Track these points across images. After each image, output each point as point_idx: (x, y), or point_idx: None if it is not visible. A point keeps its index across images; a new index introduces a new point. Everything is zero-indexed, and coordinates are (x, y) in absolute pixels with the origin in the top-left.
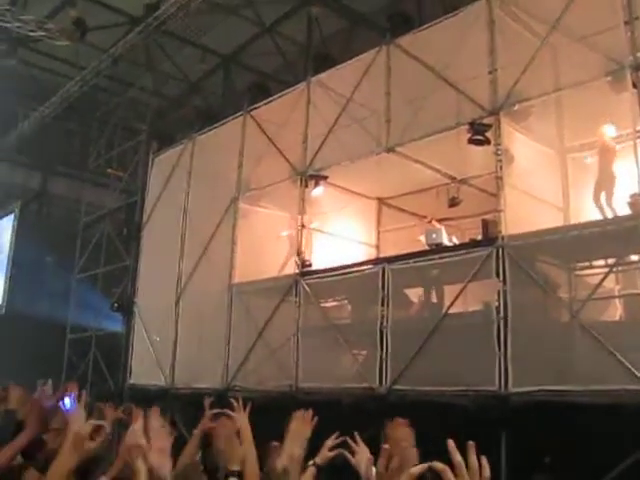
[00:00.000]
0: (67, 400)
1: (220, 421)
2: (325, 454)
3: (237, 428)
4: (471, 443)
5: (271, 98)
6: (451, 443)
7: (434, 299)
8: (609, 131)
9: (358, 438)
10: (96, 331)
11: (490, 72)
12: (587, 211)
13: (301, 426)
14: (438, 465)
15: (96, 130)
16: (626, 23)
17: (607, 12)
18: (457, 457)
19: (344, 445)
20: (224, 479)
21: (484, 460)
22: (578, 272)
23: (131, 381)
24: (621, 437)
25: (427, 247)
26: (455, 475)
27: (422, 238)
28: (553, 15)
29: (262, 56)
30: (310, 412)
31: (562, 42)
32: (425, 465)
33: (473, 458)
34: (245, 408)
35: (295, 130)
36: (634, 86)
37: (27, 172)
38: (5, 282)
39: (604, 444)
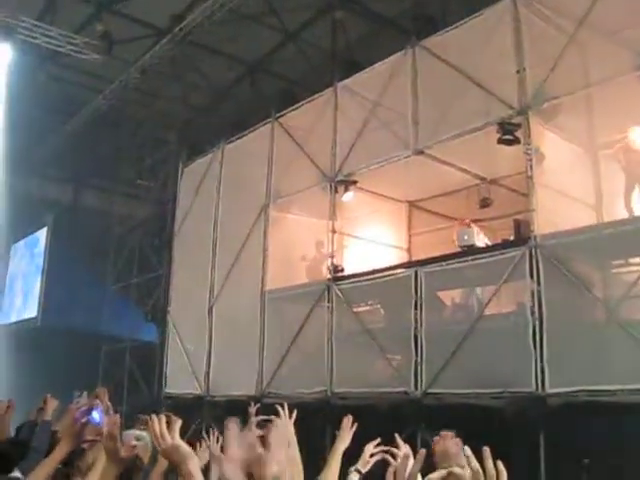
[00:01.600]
0: (95, 414)
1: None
2: (366, 460)
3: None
4: (486, 448)
5: (298, 104)
6: (468, 450)
7: (469, 301)
8: (634, 133)
9: (399, 440)
10: (131, 342)
11: (518, 71)
12: (620, 209)
13: (282, 430)
14: (457, 471)
15: (126, 142)
16: None
17: (635, 5)
18: (474, 463)
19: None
20: None
21: (501, 465)
22: (613, 270)
23: (167, 390)
24: None
25: (459, 249)
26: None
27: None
28: (579, 11)
29: (288, 63)
30: (350, 417)
31: (590, 38)
32: (444, 471)
33: (490, 463)
34: (291, 415)
35: (323, 136)
36: None
37: (59, 186)
38: (40, 295)
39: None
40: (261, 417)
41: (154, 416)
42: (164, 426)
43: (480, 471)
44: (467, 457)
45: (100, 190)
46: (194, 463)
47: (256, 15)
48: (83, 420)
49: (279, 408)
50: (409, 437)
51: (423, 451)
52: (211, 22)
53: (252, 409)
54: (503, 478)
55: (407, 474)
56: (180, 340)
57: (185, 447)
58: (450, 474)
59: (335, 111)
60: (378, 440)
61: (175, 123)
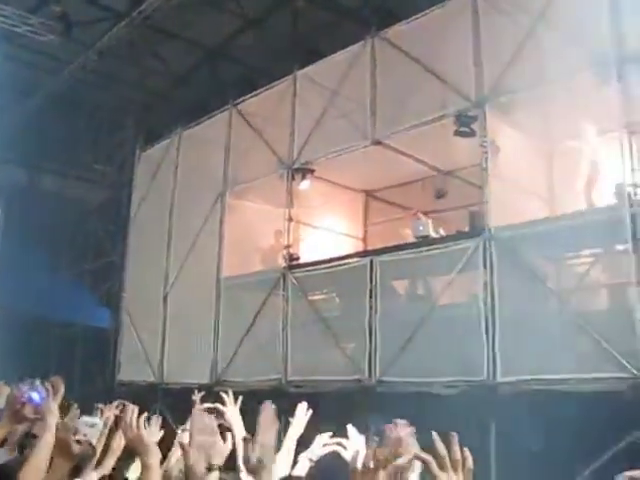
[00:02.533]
0: (35, 394)
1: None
2: (318, 450)
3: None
4: (454, 434)
5: (257, 91)
6: (435, 435)
7: (421, 291)
8: (588, 132)
9: (352, 431)
10: (83, 327)
11: (475, 64)
12: (573, 202)
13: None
14: (422, 456)
15: (82, 125)
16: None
17: (592, 5)
18: (441, 448)
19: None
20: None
21: (467, 451)
22: (565, 262)
23: (119, 377)
24: (608, 424)
25: (414, 239)
26: (439, 466)
27: (405, 232)
28: (537, 7)
29: (248, 50)
30: (304, 404)
31: (547, 35)
32: (410, 456)
33: (456, 449)
34: (236, 402)
35: (282, 124)
36: (618, 78)
37: (12, 168)
38: None
39: (591, 431)
40: (207, 405)
41: (129, 405)
42: (135, 416)
43: (446, 456)
44: (434, 442)
45: (55, 173)
46: (155, 457)
47: (216, 0)
48: (22, 399)
49: (224, 395)
50: (362, 425)
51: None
52: (170, 6)
53: (196, 397)
54: (469, 464)
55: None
56: (134, 327)
57: (150, 439)
58: (416, 458)
59: (294, 99)
60: (330, 433)
61: (132, 108)
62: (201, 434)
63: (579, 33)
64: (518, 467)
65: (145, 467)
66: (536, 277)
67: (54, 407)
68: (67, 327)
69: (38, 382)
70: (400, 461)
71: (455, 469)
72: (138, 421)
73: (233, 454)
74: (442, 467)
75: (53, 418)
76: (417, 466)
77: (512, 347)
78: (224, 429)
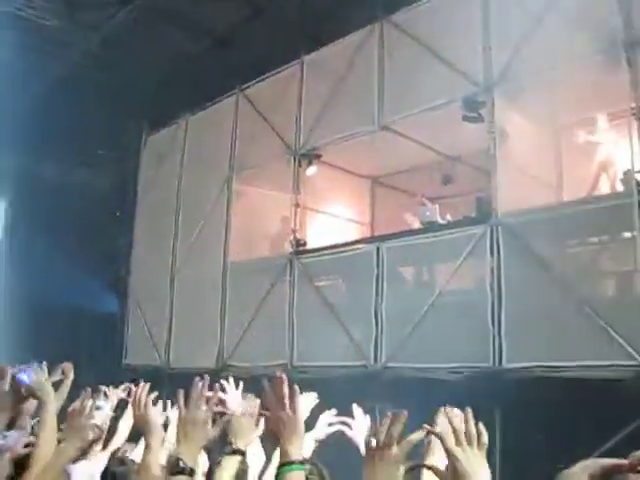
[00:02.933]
0: (24, 376)
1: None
2: (323, 429)
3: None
4: (469, 409)
5: (264, 76)
6: (450, 410)
7: (428, 277)
8: (600, 122)
9: (357, 411)
10: (91, 313)
11: (484, 49)
12: (580, 188)
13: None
14: (436, 430)
15: (87, 111)
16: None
17: None
18: (457, 423)
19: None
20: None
21: (482, 427)
22: (572, 249)
23: (126, 361)
24: (613, 412)
25: (420, 225)
26: (454, 441)
27: (407, 217)
28: None
29: (255, 35)
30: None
31: (556, 19)
32: (423, 431)
33: (472, 424)
34: (237, 388)
35: (289, 109)
36: (628, 63)
37: (17, 155)
38: None
39: (596, 419)
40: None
41: (142, 384)
42: (144, 394)
43: (461, 430)
44: (449, 417)
45: (60, 160)
46: (156, 438)
47: None
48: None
49: (224, 382)
50: (368, 411)
51: (405, 413)
52: None
53: (200, 382)
54: (484, 438)
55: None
56: (141, 311)
57: (154, 420)
58: (429, 434)
59: (300, 84)
60: (334, 411)
61: (138, 93)
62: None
63: (589, 17)
64: (523, 453)
65: (146, 447)
66: (543, 263)
67: (48, 387)
68: (74, 313)
69: (35, 364)
70: (414, 437)
71: (470, 444)
72: (147, 398)
73: None
74: (458, 441)
75: (48, 398)
76: (437, 447)
77: (518, 333)
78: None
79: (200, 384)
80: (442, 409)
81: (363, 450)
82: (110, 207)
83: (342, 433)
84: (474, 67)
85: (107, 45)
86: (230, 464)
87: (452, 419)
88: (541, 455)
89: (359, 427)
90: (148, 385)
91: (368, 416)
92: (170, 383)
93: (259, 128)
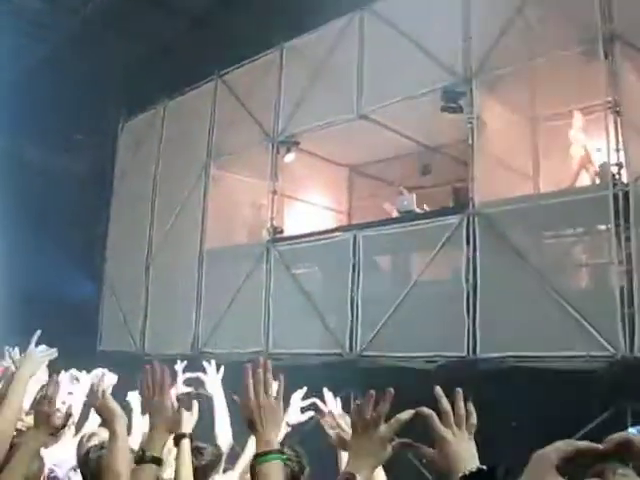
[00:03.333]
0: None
1: None
2: (295, 415)
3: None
4: (459, 390)
5: (243, 62)
6: (438, 390)
7: (404, 266)
8: (577, 120)
9: (328, 395)
10: (68, 300)
11: (464, 39)
12: (557, 180)
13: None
14: (425, 410)
15: (65, 95)
16: None
17: None
18: (444, 403)
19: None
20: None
21: (471, 406)
22: (547, 240)
23: (101, 347)
24: (586, 402)
25: (398, 214)
26: (442, 421)
27: (386, 206)
28: None
29: (235, 19)
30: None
31: (535, 10)
32: (412, 411)
33: (461, 405)
34: (218, 372)
35: (268, 96)
36: (605, 56)
37: None
38: None
39: (569, 408)
40: (188, 374)
41: (96, 371)
42: (102, 385)
43: (449, 411)
44: (437, 397)
45: (37, 144)
46: (121, 424)
47: None
48: None
49: (206, 364)
50: (342, 398)
51: (392, 391)
52: None
53: (179, 366)
54: (472, 419)
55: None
56: (116, 297)
57: (115, 406)
58: (418, 414)
59: (280, 71)
60: (305, 389)
61: (116, 77)
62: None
63: (568, 8)
64: (496, 442)
65: (112, 434)
66: (518, 254)
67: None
68: (50, 298)
69: (17, 349)
70: (402, 416)
71: (459, 425)
72: (104, 386)
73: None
74: (445, 422)
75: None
76: None
77: (493, 324)
78: (190, 399)
79: (159, 370)
80: (437, 388)
81: (332, 434)
82: (88, 193)
83: (312, 417)
84: (453, 57)
85: (86, 28)
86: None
87: (440, 400)
88: (515, 444)
89: (331, 410)
90: (100, 372)
91: (339, 399)
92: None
93: (238, 114)
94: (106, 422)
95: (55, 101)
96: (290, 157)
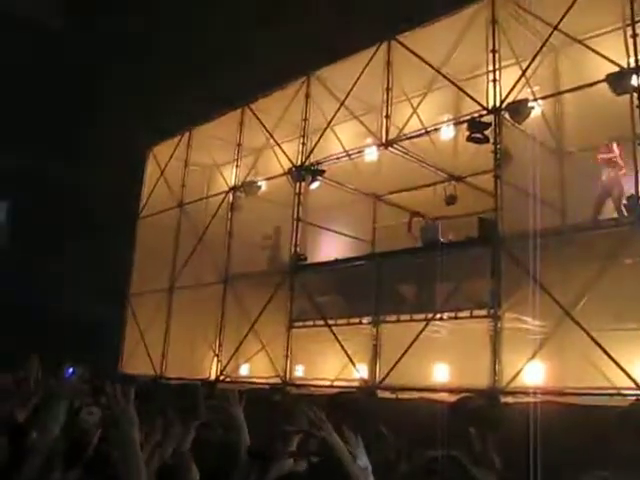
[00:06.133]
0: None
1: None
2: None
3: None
4: (474, 432)
5: (270, 91)
6: (473, 431)
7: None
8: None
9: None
10: (89, 320)
11: (491, 71)
12: (583, 212)
13: None
14: (456, 453)
15: (90, 117)
16: (627, 25)
17: (608, 14)
18: (477, 445)
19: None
20: None
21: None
22: (572, 272)
23: (121, 369)
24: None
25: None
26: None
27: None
28: (555, 16)
29: (263, 47)
30: None
31: (564, 43)
32: (436, 453)
33: (491, 450)
34: (241, 401)
35: (293, 123)
36: (634, 89)
37: (21, 160)
38: None
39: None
40: (211, 402)
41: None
42: (119, 391)
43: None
44: (472, 440)
45: (64, 161)
46: (137, 431)
47: None
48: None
49: (229, 394)
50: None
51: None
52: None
53: (201, 393)
54: (497, 462)
55: None
56: (137, 320)
57: (133, 414)
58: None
59: (307, 100)
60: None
61: (143, 101)
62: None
63: (595, 42)
64: None
65: (127, 440)
66: (542, 287)
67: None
68: (70, 319)
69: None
70: (428, 456)
71: (489, 467)
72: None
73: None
74: (476, 462)
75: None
76: None
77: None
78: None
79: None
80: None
81: None
82: (114, 216)
83: None
84: (481, 88)
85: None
86: None
87: (473, 442)
88: None
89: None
90: (119, 385)
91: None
92: (165, 393)
93: (263, 142)
94: (122, 428)
95: (80, 123)
96: (315, 185)
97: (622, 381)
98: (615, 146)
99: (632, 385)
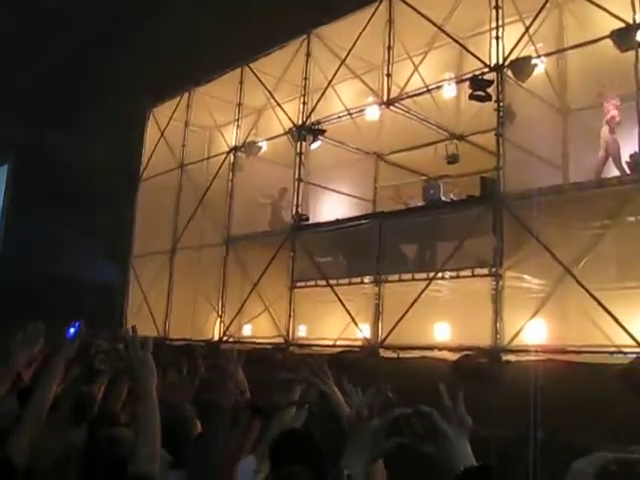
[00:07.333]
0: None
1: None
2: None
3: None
4: (442, 387)
5: (270, 50)
6: (442, 387)
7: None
8: (614, 101)
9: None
10: (92, 281)
11: (494, 27)
12: (586, 170)
13: None
14: (425, 409)
15: (92, 81)
16: None
17: None
18: (446, 401)
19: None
20: None
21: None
22: (574, 231)
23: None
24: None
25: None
26: (443, 418)
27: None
28: None
29: (262, 6)
30: None
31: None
32: (407, 409)
33: (462, 406)
34: (239, 359)
35: (294, 83)
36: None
37: (21, 124)
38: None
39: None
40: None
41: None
42: (138, 339)
43: (451, 407)
44: (440, 394)
45: (64, 130)
46: (153, 383)
47: None
48: None
49: (228, 354)
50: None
51: (387, 386)
52: None
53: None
54: (468, 420)
55: None
56: (139, 282)
57: (152, 365)
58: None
59: (307, 59)
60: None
61: (142, 64)
62: None
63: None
64: None
65: (143, 392)
66: (544, 245)
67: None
68: (76, 280)
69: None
70: (398, 411)
71: (459, 424)
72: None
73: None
74: (448, 421)
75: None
76: None
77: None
78: None
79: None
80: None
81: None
82: (115, 177)
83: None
84: (483, 45)
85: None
86: None
87: (442, 397)
88: None
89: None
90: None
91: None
92: (169, 354)
93: (264, 101)
94: (138, 379)
95: (81, 89)
96: (316, 145)
97: (623, 339)
98: (613, 104)
99: (633, 343)
